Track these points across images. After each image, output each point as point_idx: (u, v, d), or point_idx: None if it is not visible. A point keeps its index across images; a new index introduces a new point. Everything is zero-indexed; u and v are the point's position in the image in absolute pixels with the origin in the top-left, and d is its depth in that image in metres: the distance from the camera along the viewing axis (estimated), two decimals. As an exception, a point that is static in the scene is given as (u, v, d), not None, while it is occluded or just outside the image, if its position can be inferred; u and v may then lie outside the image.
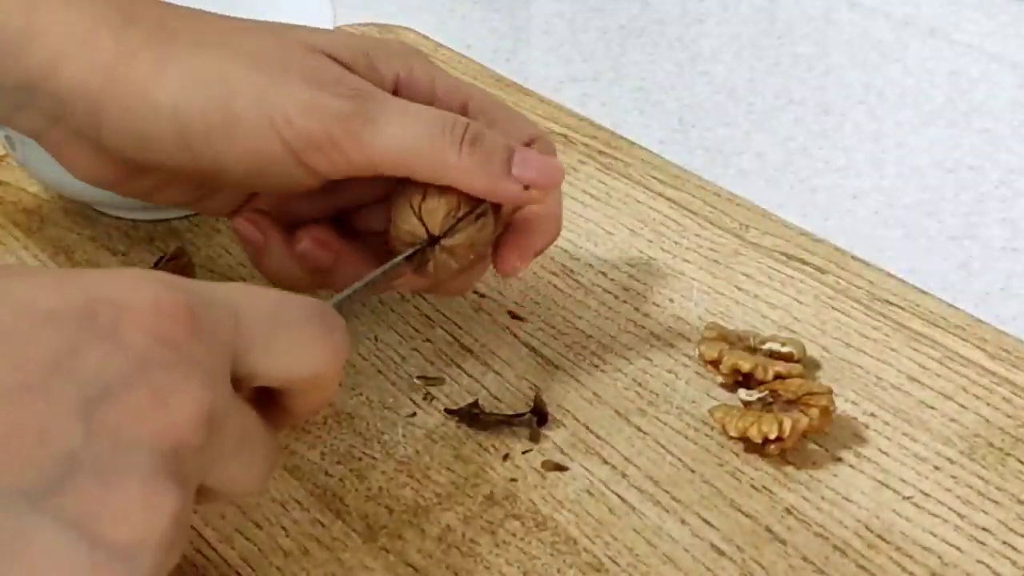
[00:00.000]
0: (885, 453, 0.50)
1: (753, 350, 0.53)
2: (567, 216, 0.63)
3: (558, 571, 0.45)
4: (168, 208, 0.60)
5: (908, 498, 0.48)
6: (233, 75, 0.47)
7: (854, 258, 0.60)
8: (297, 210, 0.52)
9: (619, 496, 0.48)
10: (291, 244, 0.51)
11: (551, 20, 0.92)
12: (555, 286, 0.58)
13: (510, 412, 0.51)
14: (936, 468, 0.49)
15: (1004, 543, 0.46)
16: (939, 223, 0.70)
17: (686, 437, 0.50)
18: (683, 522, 0.47)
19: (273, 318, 0.39)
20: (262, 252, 0.51)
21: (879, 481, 0.48)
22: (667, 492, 0.48)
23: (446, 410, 0.51)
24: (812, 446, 0.50)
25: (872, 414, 0.51)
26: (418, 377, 0.53)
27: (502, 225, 0.51)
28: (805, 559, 0.45)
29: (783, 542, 0.46)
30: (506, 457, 0.49)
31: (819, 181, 0.74)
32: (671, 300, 0.58)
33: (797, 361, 0.52)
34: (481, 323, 0.55)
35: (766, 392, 0.50)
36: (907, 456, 0.49)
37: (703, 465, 0.49)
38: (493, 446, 0.50)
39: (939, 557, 0.45)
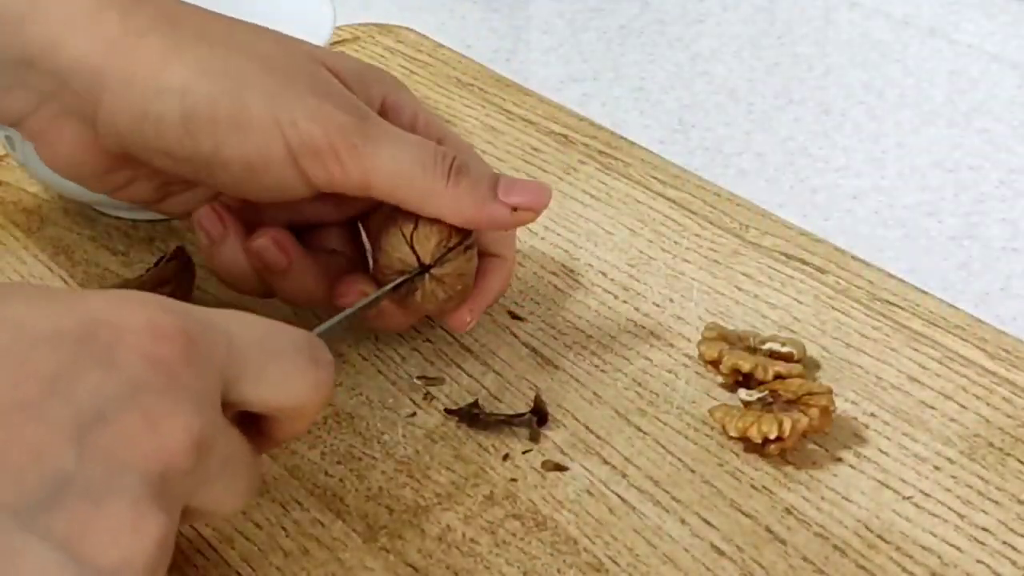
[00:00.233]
0: (885, 453, 0.50)
1: (753, 350, 0.53)
2: (567, 216, 0.63)
3: (558, 571, 0.45)
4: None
5: (908, 498, 0.48)
6: (243, 72, 0.47)
7: (854, 258, 0.60)
8: (258, 218, 0.52)
9: (619, 496, 0.48)
10: (248, 241, 0.51)
11: (551, 20, 0.92)
12: (555, 286, 0.58)
13: (510, 412, 0.51)
14: (936, 468, 0.49)
15: (1004, 543, 0.46)
16: (939, 223, 0.70)
17: (686, 437, 0.50)
18: (683, 522, 0.47)
19: (264, 346, 0.40)
20: (218, 245, 0.51)
21: (879, 481, 0.48)
22: (667, 492, 0.48)
23: (446, 410, 0.51)
24: (812, 446, 0.50)
25: (872, 414, 0.51)
26: (418, 377, 0.53)
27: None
28: (805, 559, 0.45)
29: (783, 542, 0.46)
30: (506, 457, 0.49)
31: (819, 181, 0.74)
32: (671, 300, 0.58)
33: (797, 361, 0.52)
34: (481, 323, 0.55)
35: (766, 392, 0.50)
36: (907, 456, 0.49)
37: (703, 465, 0.49)
38: (493, 446, 0.50)
39: (939, 557, 0.45)
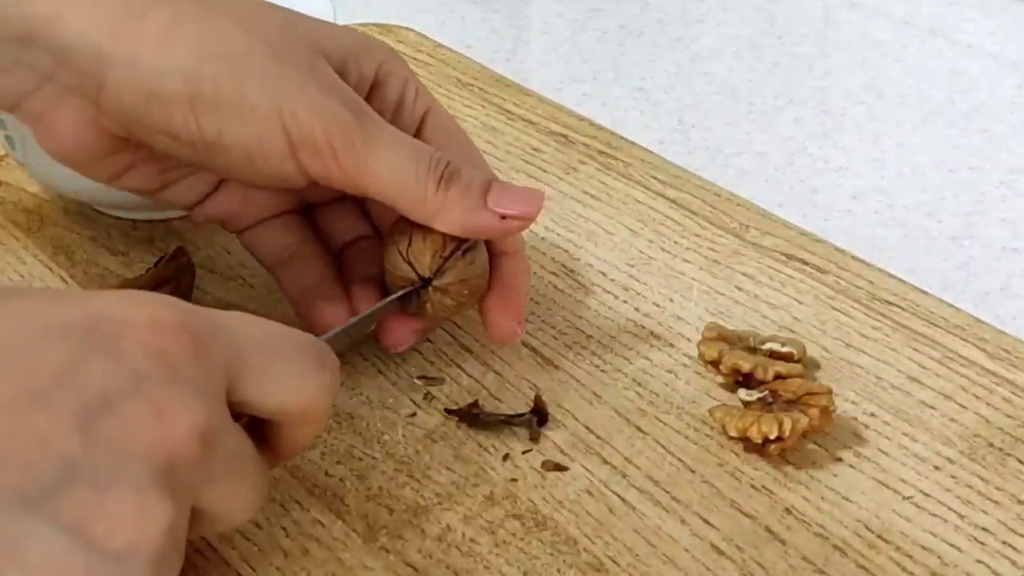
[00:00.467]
0: (885, 453, 0.50)
1: (753, 350, 0.53)
2: (567, 216, 0.63)
3: (558, 571, 0.45)
4: (168, 208, 0.60)
5: (908, 498, 0.48)
6: (245, 57, 0.47)
7: (854, 258, 0.60)
8: (259, 205, 0.53)
9: (619, 496, 0.48)
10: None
11: (551, 20, 0.92)
12: (555, 286, 0.58)
13: (510, 412, 0.51)
14: (936, 468, 0.49)
15: (1004, 543, 0.46)
16: (939, 223, 0.70)
17: (686, 437, 0.50)
18: (683, 522, 0.47)
19: (269, 347, 0.40)
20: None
21: (879, 481, 0.48)
22: (667, 492, 0.48)
23: (446, 410, 0.51)
24: (812, 446, 0.50)
25: (872, 414, 0.51)
26: (418, 377, 0.53)
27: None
28: (805, 559, 0.45)
29: (783, 542, 0.46)
30: (506, 457, 0.49)
31: (819, 181, 0.74)
32: (671, 300, 0.58)
33: (797, 361, 0.52)
34: (481, 323, 0.55)
35: (766, 392, 0.50)
36: (907, 456, 0.49)
37: (703, 465, 0.49)
38: (493, 446, 0.50)
39: (939, 557, 0.45)
